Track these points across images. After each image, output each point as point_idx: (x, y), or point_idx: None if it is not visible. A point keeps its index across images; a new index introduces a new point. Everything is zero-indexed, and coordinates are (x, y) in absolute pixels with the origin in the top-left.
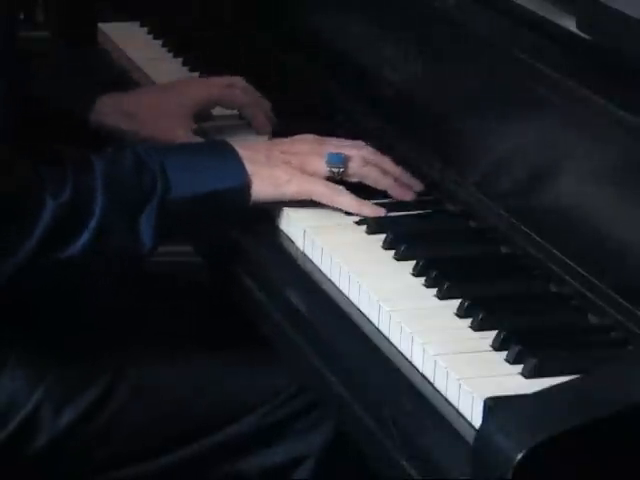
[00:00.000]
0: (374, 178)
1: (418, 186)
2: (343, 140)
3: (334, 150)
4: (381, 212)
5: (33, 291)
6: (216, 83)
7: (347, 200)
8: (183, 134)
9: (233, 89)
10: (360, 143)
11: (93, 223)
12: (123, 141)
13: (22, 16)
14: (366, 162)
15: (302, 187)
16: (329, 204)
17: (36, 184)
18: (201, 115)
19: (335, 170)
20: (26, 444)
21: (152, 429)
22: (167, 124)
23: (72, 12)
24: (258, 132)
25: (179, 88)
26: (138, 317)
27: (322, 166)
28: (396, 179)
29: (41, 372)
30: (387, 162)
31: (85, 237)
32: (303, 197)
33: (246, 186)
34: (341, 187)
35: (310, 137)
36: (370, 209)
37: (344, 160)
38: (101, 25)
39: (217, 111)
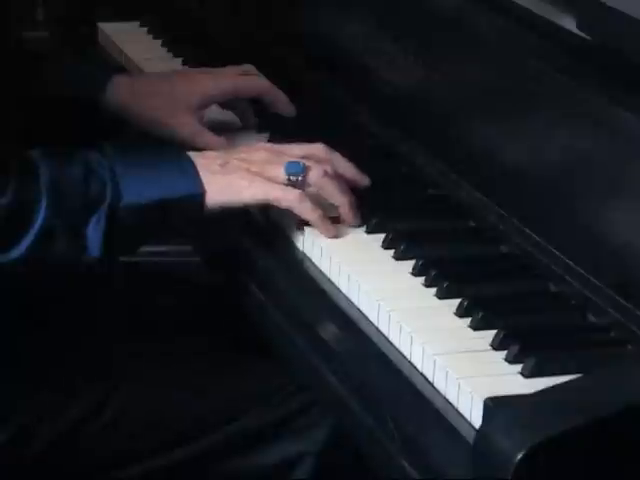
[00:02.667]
0: (330, 192)
1: (357, 217)
2: (302, 145)
3: (292, 159)
4: (333, 232)
5: (33, 291)
6: (231, 73)
7: (307, 209)
8: (190, 123)
9: (250, 76)
10: (320, 150)
11: (34, 229)
12: (130, 123)
13: (22, 16)
14: (325, 173)
15: (261, 191)
16: (288, 208)
17: None
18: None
19: (293, 179)
20: (27, 445)
21: (152, 428)
22: (176, 112)
23: (72, 12)
24: (284, 113)
25: (195, 78)
26: (138, 317)
27: (281, 173)
28: (349, 200)
29: (42, 372)
30: (343, 180)
31: (26, 242)
32: (261, 201)
33: (199, 194)
34: (299, 193)
35: (267, 146)
36: (325, 226)
37: (304, 169)
38: (101, 25)
39: (212, 115)
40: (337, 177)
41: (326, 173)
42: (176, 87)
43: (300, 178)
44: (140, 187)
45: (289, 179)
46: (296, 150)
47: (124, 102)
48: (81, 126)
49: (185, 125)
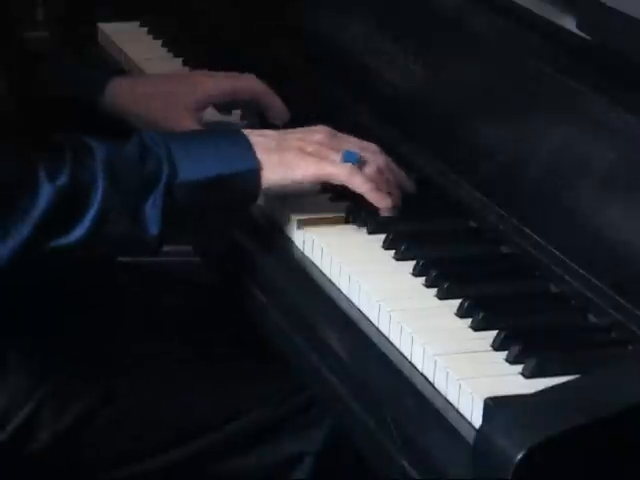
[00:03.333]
0: (377, 193)
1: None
2: (358, 140)
3: (350, 147)
4: (386, 203)
5: (34, 291)
6: (230, 75)
7: (360, 182)
8: (189, 125)
9: (248, 78)
10: (375, 148)
11: (93, 210)
12: (128, 124)
13: (22, 16)
14: (379, 170)
15: (314, 168)
16: (341, 182)
17: (31, 168)
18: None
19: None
20: (27, 444)
21: (153, 428)
22: (175, 113)
23: (72, 12)
24: (277, 120)
25: (194, 79)
26: (138, 317)
27: (337, 158)
28: (392, 199)
29: (42, 372)
30: (398, 174)
31: (85, 224)
32: (314, 179)
33: (255, 171)
34: (352, 166)
35: (327, 129)
36: (378, 196)
37: (359, 160)
38: (101, 25)
39: (210, 117)
40: (388, 177)
41: (380, 170)
42: (175, 88)
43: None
44: (196, 164)
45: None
46: (353, 141)
47: (123, 104)
48: (81, 127)
49: (184, 127)
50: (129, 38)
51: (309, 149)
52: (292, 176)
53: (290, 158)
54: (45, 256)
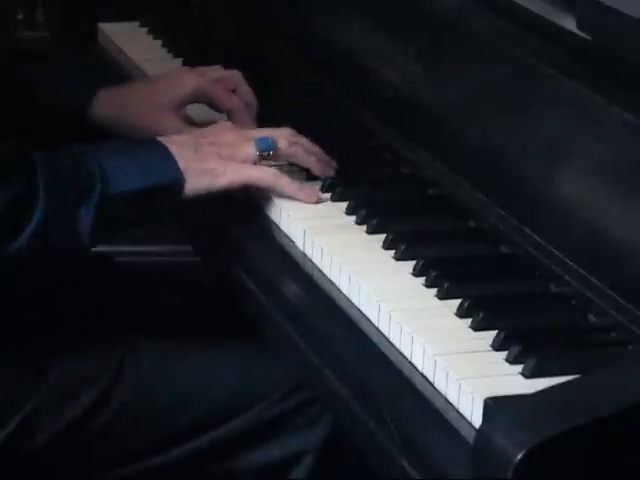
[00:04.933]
0: (301, 157)
1: (332, 167)
2: (265, 129)
3: (258, 134)
4: (314, 197)
5: (33, 291)
6: (207, 75)
7: (285, 183)
8: (173, 124)
9: (221, 90)
10: (286, 129)
11: (34, 221)
12: (116, 133)
13: (22, 16)
14: (291, 142)
15: (237, 175)
16: (267, 188)
17: None
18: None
19: (265, 154)
20: (27, 443)
21: (152, 427)
22: (157, 115)
23: (72, 12)
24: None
25: (169, 79)
26: (138, 316)
27: (252, 151)
28: (317, 157)
29: (42, 371)
30: (307, 142)
31: (26, 234)
32: (238, 185)
33: (180, 182)
34: (275, 170)
35: (229, 124)
36: (305, 193)
37: (272, 143)
38: (101, 25)
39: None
40: (299, 140)
41: (291, 141)
42: (154, 90)
43: (271, 152)
44: (125, 176)
45: (261, 155)
46: (263, 131)
47: (108, 115)
48: (71, 134)
49: (169, 127)
50: (129, 38)
51: (225, 152)
52: (216, 184)
53: (211, 166)
54: None
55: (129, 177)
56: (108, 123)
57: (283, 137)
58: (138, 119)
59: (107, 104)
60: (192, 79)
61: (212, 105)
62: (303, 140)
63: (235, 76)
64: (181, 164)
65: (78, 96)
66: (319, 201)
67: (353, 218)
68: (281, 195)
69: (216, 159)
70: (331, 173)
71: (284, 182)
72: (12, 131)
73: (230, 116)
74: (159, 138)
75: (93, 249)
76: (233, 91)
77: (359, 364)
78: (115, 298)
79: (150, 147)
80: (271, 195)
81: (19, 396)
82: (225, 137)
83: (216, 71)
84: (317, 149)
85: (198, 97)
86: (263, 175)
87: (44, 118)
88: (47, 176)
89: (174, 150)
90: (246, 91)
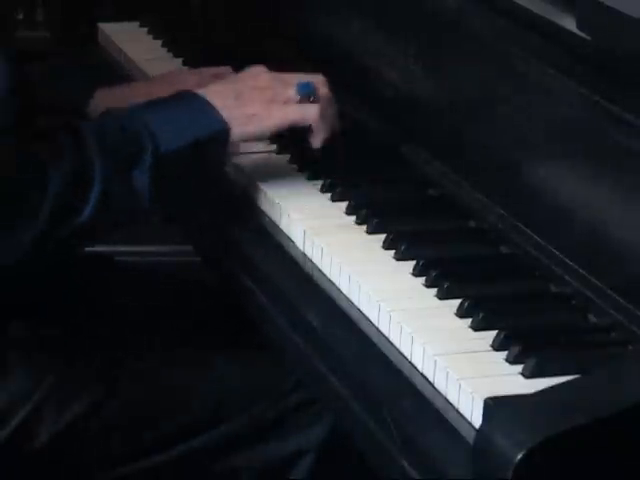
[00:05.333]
0: (333, 113)
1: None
2: (297, 74)
3: (296, 79)
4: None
5: (34, 291)
6: (205, 74)
7: (327, 124)
8: None
9: (225, 70)
10: (319, 76)
11: (97, 187)
12: None
13: (22, 16)
14: (328, 86)
15: (281, 116)
16: (310, 124)
17: (36, 161)
18: None
19: (306, 99)
20: (27, 443)
21: (152, 426)
22: None
23: (72, 12)
24: None
25: (168, 79)
26: (138, 316)
27: (293, 94)
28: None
29: (42, 371)
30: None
31: (92, 201)
32: (284, 127)
33: (225, 131)
34: (318, 107)
35: (264, 69)
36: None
37: (313, 87)
38: (101, 25)
39: None
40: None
41: (330, 97)
42: (153, 89)
43: (312, 97)
44: (172, 132)
45: (301, 99)
46: (210, 71)
47: None
48: None
49: None
50: (129, 38)
51: (267, 95)
52: (262, 129)
53: (254, 110)
54: (63, 241)
55: (176, 134)
56: None
57: (323, 81)
58: None
59: (105, 104)
60: (190, 78)
61: None
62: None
63: (228, 73)
64: (224, 113)
65: (77, 96)
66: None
67: (353, 218)
68: (293, 195)
69: (258, 103)
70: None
71: (326, 123)
72: (11, 130)
73: None
74: (198, 91)
75: (93, 249)
76: None
77: (359, 364)
78: (115, 298)
79: (191, 101)
80: (271, 195)
81: (19, 396)
82: (264, 80)
83: (210, 70)
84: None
85: None
86: (306, 114)
87: (44, 117)
88: (98, 146)
89: (215, 101)
90: None
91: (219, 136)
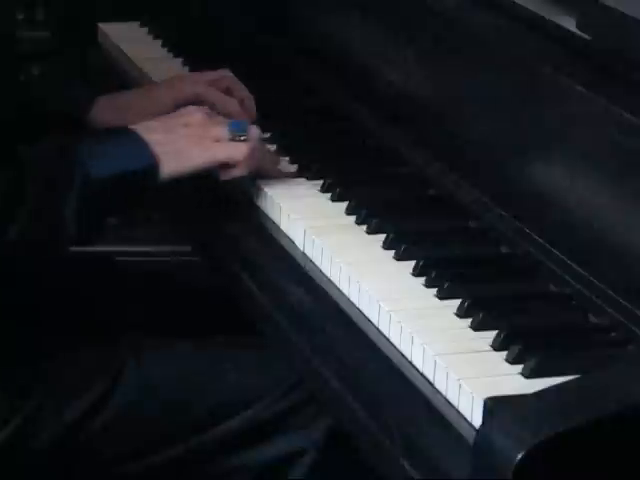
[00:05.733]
0: (274, 167)
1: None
2: (208, 72)
3: (228, 117)
4: (285, 175)
5: (35, 291)
6: (202, 79)
7: (261, 159)
8: None
9: (216, 93)
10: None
11: (25, 208)
12: None
13: (22, 16)
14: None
15: (211, 153)
16: (241, 162)
17: None
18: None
19: (238, 136)
20: (28, 443)
21: (151, 426)
22: (152, 117)
23: (72, 12)
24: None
25: (166, 85)
26: (138, 316)
27: (225, 133)
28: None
29: (42, 372)
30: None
31: (19, 223)
32: (213, 163)
33: (154, 165)
34: (249, 144)
35: (199, 107)
36: (279, 172)
37: (247, 126)
38: (101, 25)
39: None
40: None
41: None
42: (151, 95)
43: (244, 136)
44: (104, 163)
45: (233, 138)
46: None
47: (107, 121)
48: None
49: None
50: (129, 38)
51: (198, 132)
52: (190, 164)
53: (183, 147)
54: None
55: (106, 163)
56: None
57: (255, 128)
58: (136, 123)
59: (106, 111)
60: (189, 86)
61: (211, 108)
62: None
63: (227, 75)
64: (154, 148)
65: (77, 102)
66: (288, 176)
67: (353, 218)
68: (293, 195)
69: (188, 140)
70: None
71: (260, 158)
72: (12, 130)
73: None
74: (131, 126)
75: (93, 249)
76: (227, 90)
77: (359, 364)
78: (115, 298)
79: (123, 135)
80: (272, 195)
81: (20, 396)
82: (196, 118)
83: (208, 74)
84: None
85: (193, 101)
86: (237, 151)
87: (43, 119)
88: (31, 170)
89: (146, 136)
90: (240, 88)
91: (148, 170)
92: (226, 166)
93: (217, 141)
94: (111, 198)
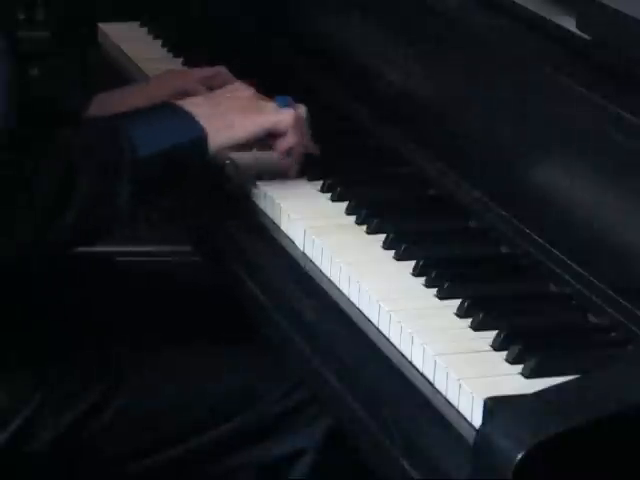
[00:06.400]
0: (304, 132)
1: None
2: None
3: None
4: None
5: (34, 291)
6: (196, 75)
7: (301, 131)
8: None
9: (203, 88)
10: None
11: (77, 193)
12: None
13: (22, 16)
14: (301, 116)
15: (258, 122)
16: (286, 129)
17: (20, 166)
18: None
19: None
20: (27, 444)
21: (151, 426)
22: None
23: (72, 12)
24: None
25: (158, 80)
26: (138, 316)
27: (270, 104)
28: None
29: (42, 372)
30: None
31: (74, 208)
32: (260, 133)
33: (202, 138)
34: (294, 111)
35: (243, 84)
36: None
37: (290, 101)
38: (101, 25)
39: None
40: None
41: (302, 115)
42: (147, 92)
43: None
44: (151, 138)
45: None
46: (203, 72)
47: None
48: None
49: None
50: (129, 38)
51: (244, 104)
52: (238, 135)
53: (230, 119)
54: (46, 244)
55: (153, 140)
56: None
57: (300, 105)
58: None
59: (102, 107)
60: (179, 82)
61: None
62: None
63: (222, 72)
64: (201, 121)
65: (75, 100)
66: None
67: (353, 218)
68: (293, 195)
69: (234, 112)
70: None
71: (300, 129)
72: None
73: None
74: (177, 102)
75: (93, 249)
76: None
77: (359, 364)
78: (115, 298)
79: (168, 110)
80: (272, 195)
81: (20, 397)
82: (243, 93)
83: (203, 71)
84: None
85: (185, 95)
86: (281, 117)
87: (42, 118)
88: (81, 153)
89: (192, 109)
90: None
91: (196, 143)
92: (276, 138)
93: (262, 111)
94: (160, 175)
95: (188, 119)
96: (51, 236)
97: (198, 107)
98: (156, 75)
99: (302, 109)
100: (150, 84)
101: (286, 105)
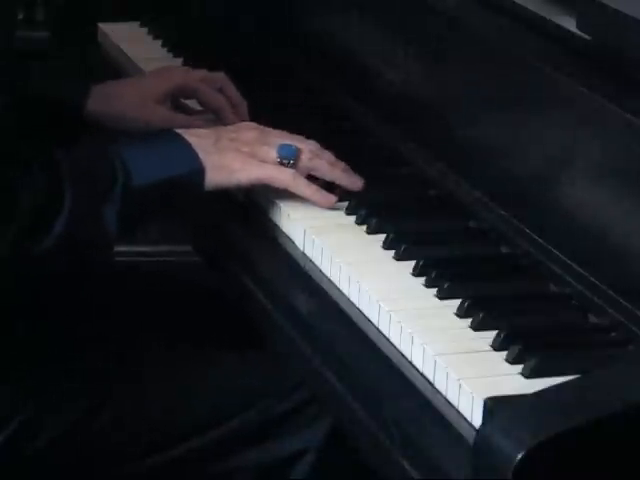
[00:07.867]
0: (324, 170)
1: (359, 181)
2: (286, 133)
3: (281, 141)
4: (331, 201)
5: (34, 293)
6: (195, 74)
7: (303, 185)
8: (160, 113)
9: (207, 88)
10: (302, 137)
11: (64, 214)
12: (109, 129)
13: (22, 16)
14: (315, 155)
15: (255, 172)
16: (282, 187)
17: (6, 182)
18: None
19: (285, 162)
20: (27, 444)
21: (151, 427)
22: (145, 106)
23: (72, 12)
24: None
25: (157, 74)
26: (138, 316)
27: (273, 154)
28: (342, 170)
29: (42, 372)
30: (331, 156)
31: (57, 229)
32: (255, 182)
33: (199, 172)
34: (293, 171)
35: (253, 125)
36: (322, 196)
37: (295, 152)
38: (101, 25)
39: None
40: (323, 155)
41: (316, 154)
42: (143, 84)
43: (292, 161)
44: (147, 167)
45: (281, 162)
46: (282, 134)
47: (100, 110)
48: (69, 132)
49: (155, 114)
50: (129, 38)
51: (245, 149)
52: (235, 179)
53: (230, 160)
54: (24, 264)
55: (150, 168)
56: (100, 118)
57: (308, 149)
58: (128, 112)
59: (98, 100)
60: (179, 74)
61: (201, 103)
62: (327, 154)
63: (220, 77)
64: (200, 154)
65: (74, 97)
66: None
67: (353, 218)
68: (293, 195)
69: (235, 154)
70: (358, 186)
71: (301, 184)
72: (12, 130)
73: (216, 115)
74: (179, 130)
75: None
76: (220, 91)
77: (359, 364)
78: (115, 298)
79: (169, 139)
80: (271, 195)
81: (20, 397)
82: (248, 135)
83: (202, 72)
84: (342, 164)
85: (184, 92)
86: (279, 175)
87: (42, 117)
88: (70, 172)
89: (193, 142)
90: (232, 91)
91: (193, 176)
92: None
93: (263, 162)
94: (153, 204)
95: (187, 150)
96: (33, 253)
97: (200, 139)
98: (156, 69)
99: (304, 168)
100: (150, 77)
101: (292, 155)
